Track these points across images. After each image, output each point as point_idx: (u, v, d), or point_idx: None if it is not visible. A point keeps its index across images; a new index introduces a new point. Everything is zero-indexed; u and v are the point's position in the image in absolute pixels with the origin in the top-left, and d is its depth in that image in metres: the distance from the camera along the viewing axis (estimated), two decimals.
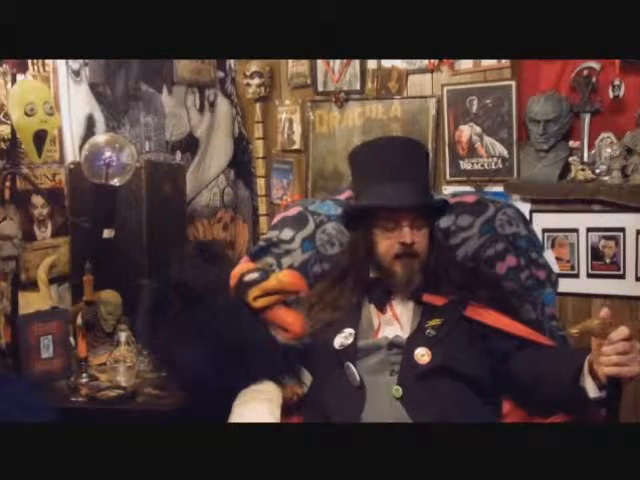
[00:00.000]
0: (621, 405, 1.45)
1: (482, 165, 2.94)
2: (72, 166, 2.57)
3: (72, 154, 2.61)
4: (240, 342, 1.65)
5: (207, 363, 1.63)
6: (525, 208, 2.71)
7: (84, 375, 2.23)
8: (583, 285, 2.75)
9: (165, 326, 1.66)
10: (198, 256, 1.81)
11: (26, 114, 2.22)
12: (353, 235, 1.86)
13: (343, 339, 1.72)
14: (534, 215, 2.79)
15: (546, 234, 2.80)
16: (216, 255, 1.86)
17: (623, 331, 1.38)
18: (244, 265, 1.81)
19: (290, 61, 3.30)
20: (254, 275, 1.70)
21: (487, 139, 2.92)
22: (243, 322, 1.68)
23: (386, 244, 1.74)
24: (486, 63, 2.90)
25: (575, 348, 1.64)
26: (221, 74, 3.35)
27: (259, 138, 3.37)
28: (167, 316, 1.67)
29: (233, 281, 1.71)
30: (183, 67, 3.09)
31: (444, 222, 1.92)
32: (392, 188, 1.73)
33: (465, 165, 2.98)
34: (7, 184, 2.30)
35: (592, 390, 1.46)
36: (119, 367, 2.19)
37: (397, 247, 1.73)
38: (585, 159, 2.75)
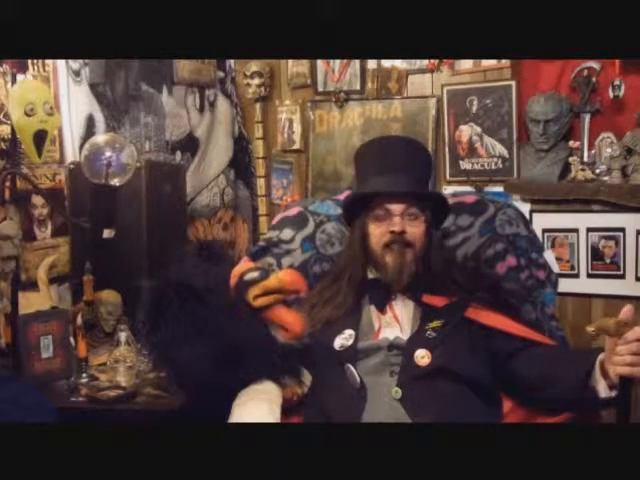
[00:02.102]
0: (632, 405, 1.45)
1: (482, 165, 2.94)
2: (72, 166, 2.57)
3: (72, 154, 2.61)
4: (239, 342, 1.65)
5: (206, 362, 1.63)
6: (525, 208, 2.71)
7: (84, 375, 2.23)
8: (583, 285, 2.75)
9: (164, 325, 1.66)
10: (198, 256, 1.81)
11: (26, 114, 2.22)
12: (350, 231, 1.88)
13: (343, 340, 1.72)
14: (534, 215, 2.80)
15: (546, 234, 2.80)
16: (216, 255, 1.86)
17: (638, 332, 1.38)
18: (244, 264, 1.81)
19: (290, 61, 3.30)
20: (254, 274, 1.69)
21: (487, 139, 2.92)
22: (242, 322, 1.68)
23: (377, 233, 1.75)
24: (486, 63, 2.90)
25: (582, 348, 1.63)
26: (221, 74, 3.35)
27: (259, 138, 3.37)
28: (167, 315, 1.67)
29: (233, 280, 1.71)
30: (183, 67, 3.08)
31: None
32: (386, 179, 1.75)
33: (465, 165, 2.98)
34: (7, 184, 2.30)
35: (603, 390, 1.46)
36: (119, 367, 2.19)
37: (388, 236, 1.74)
38: (585, 159, 2.75)
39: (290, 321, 1.68)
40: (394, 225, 1.72)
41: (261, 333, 1.69)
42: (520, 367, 1.67)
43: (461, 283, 1.78)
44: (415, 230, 1.74)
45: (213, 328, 1.64)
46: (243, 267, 1.75)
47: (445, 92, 2.98)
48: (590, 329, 1.42)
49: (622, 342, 1.39)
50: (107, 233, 2.41)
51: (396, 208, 1.73)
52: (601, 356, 1.47)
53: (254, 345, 1.67)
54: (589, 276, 2.75)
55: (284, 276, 1.72)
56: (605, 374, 1.45)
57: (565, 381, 1.55)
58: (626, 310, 1.40)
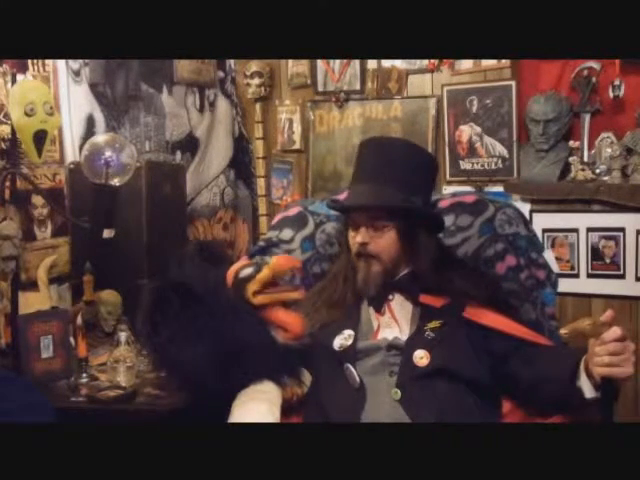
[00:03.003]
0: (617, 405, 1.46)
1: (482, 165, 2.94)
2: (72, 166, 2.57)
3: (72, 154, 2.61)
4: (239, 342, 1.65)
5: (206, 362, 1.63)
6: (525, 208, 2.72)
7: (84, 375, 2.22)
8: (583, 285, 2.75)
9: (164, 325, 1.66)
10: (198, 256, 1.81)
11: (26, 114, 2.22)
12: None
13: (343, 340, 1.72)
14: (534, 215, 2.80)
15: (546, 234, 2.80)
16: (216, 255, 1.86)
17: (615, 332, 1.38)
18: (238, 263, 1.81)
19: (290, 61, 3.30)
20: (248, 270, 1.70)
21: (487, 139, 2.92)
22: (242, 322, 1.68)
23: (350, 243, 1.77)
24: (486, 63, 2.91)
25: (573, 348, 1.64)
26: (221, 74, 3.35)
27: (259, 138, 3.37)
28: (167, 315, 1.66)
29: (230, 279, 1.71)
30: (183, 67, 3.08)
31: None
32: (357, 189, 1.77)
33: (465, 165, 2.98)
34: (7, 184, 2.29)
35: (588, 390, 1.47)
36: (119, 367, 2.19)
37: (356, 246, 1.74)
38: (585, 159, 2.75)
39: (290, 322, 1.68)
40: (358, 236, 1.73)
41: (261, 334, 1.69)
42: (517, 367, 1.67)
43: (459, 284, 1.77)
44: (380, 242, 1.73)
45: (212, 328, 1.64)
46: (237, 266, 1.75)
47: (445, 92, 2.98)
48: (563, 331, 1.42)
49: (599, 343, 1.39)
50: (107, 233, 2.41)
51: (361, 220, 1.73)
52: (585, 356, 1.47)
53: (253, 346, 1.67)
54: (589, 276, 2.75)
55: (275, 262, 1.72)
56: (590, 374, 1.46)
57: (555, 381, 1.56)
58: (608, 314, 1.40)
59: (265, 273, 1.68)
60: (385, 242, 1.73)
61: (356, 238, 1.73)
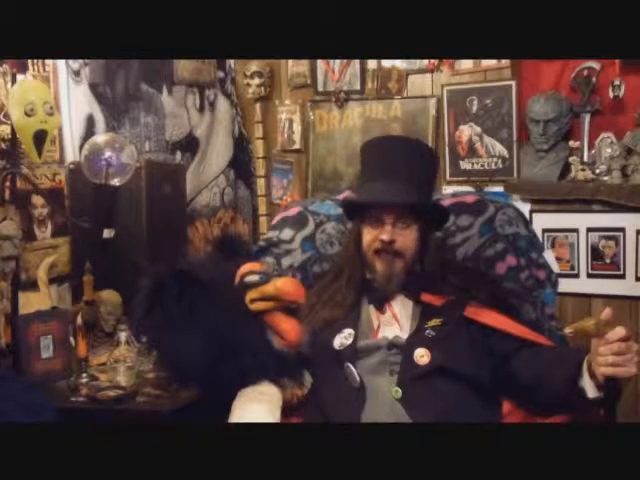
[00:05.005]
0: (620, 405, 1.45)
1: (482, 165, 2.94)
2: (72, 166, 2.57)
3: (72, 154, 2.60)
4: (235, 339, 1.64)
5: (197, 353, 1.61)
6: (525, 208, 2.71)
7: (84, 375, 2.22)
8: (583, 285, 2.75)
9: (159, 309, 1.65)
10: (218, 246, 1.81)
11: (26, 114, 2.22)
12: (348, 231, 1.88)
13: (343, 339, 1.72)
14: (534, 215, 2.80)
15: (546, 234, 2.80)
16: (235, 247, 1.86)
17: (619, 331, 1.38)
18: (248, 265, 1.80)
19: (290, 61, 3.30)
20: (254, 278, 1.69)
21: (487, 139, 2.92)
22: (240, 321, 1.67)
23: (368, 239, 1.76)
24: (486, 63, 2.91)
25: (574, 348, 1.63)
26: (221, 74, 3.35)
27: (259, 138, 3.37)
28: (163, 300, 1.65)
29: (237, 280, 1.71)
30: (183, 67, 3.08)
31: None
32: (383, 186, 1.75)
33: (465, 165, 2.98)
34: (7, 184, 2.30)
35: (591, 390, 1.46)
36: (119, 367, 2.19)
37: (377, 243, 1.73)
38: (585, 159, 2.75)
39: (287, 329, 1.67)
40: (384, 233, 1.72)
41: (261, 334, 1.68)
42: (518, 367, 1.66)
43: (458, 284, 1.78)
44: (405, 239, 1.73)
45: (210, 321, 1.63)
46: (247, 268, 1.74)
47: (445, 92, 2.98)
48: (568, 330, 1.42)
49: (603, 342, 1.39)
50: (107, 233, 2.41)
51: (387, 217, 1.73)
52: (588, 356, 1.46)
53: (252, 345, 1.66)
54: (589, 276, 2.75)
55: (282, 285, 1.70)
56: (592, 374, 1.45)
57: (557, 381, 1.55)
58: (607, 312, 1.40)
59: (269, 289, 1.67)
60: (409, 240, 1.74)
61: (381, 235, 1.72)
